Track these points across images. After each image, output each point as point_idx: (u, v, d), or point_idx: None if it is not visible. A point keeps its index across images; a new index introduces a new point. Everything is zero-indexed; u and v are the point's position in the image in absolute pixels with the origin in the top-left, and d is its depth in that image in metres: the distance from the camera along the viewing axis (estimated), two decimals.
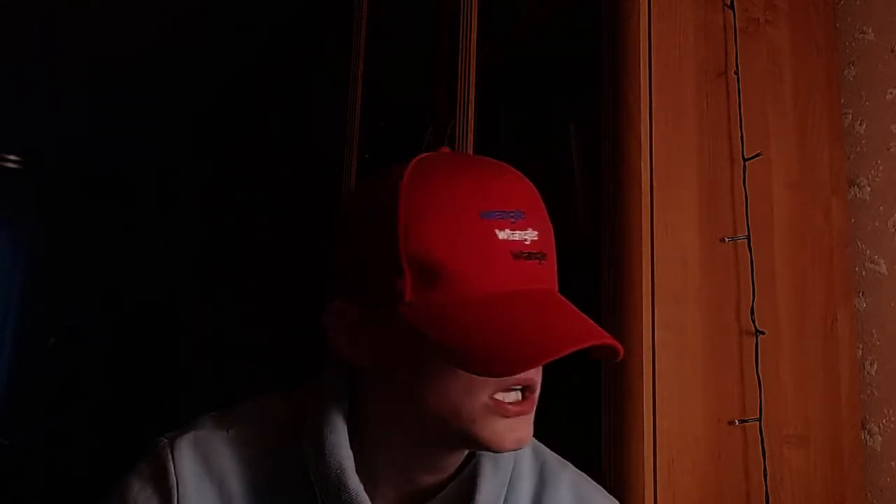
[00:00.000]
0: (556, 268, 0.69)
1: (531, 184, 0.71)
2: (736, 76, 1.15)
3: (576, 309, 0.66)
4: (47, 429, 4.21)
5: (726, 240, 1.11)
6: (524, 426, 0.66)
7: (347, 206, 0.72)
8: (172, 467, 0.70)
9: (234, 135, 3.48)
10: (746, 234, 1.12)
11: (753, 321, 1.10)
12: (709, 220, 1.10)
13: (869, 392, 1.25)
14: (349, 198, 0.73)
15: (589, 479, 0.81)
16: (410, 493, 0.73)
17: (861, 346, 1.27)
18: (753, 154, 1.14)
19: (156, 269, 4.27)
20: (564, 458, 0.82)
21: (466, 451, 0.73)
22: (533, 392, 0.67)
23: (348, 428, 0.71)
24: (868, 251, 1.29)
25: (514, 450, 0.66)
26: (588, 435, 1.05)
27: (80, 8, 2.84)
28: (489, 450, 0.66)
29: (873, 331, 1.26)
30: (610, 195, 1.07)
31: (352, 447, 0.70)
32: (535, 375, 0.66)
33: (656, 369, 1.01)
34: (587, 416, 1.06)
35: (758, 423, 1.08)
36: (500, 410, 0.64)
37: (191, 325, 3.78)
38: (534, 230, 0.65)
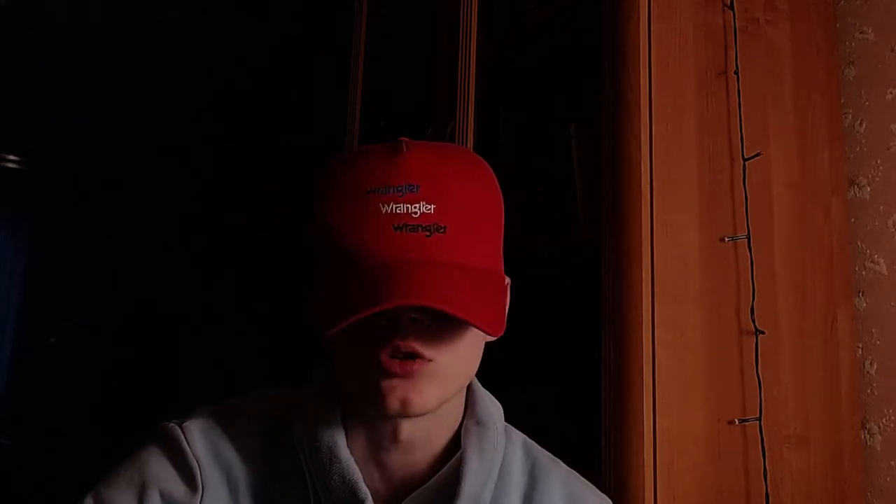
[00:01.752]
0: (468, 240, 0.68)
1: (450, 155, 0.72)
2: (736, 76, 1.15)
3: (453, 267, 0.66)
4: (47, 429, 4.21)
5: (726, 240, 1.11)
6: (411, 387, 0.65)
7: None
8: (189, 450, 0.71)
9: (234, 135, 3.48)
10: (746, 234, 1.12)
11: (753, 321, 1.10)
12: (709, 220, 1.10)
13: (869, 392, 1.25)
14: None
15: (580, 476, 0.81)
16: (396, 481, 0.73)
17: (861, 346, 1.27)
18: (753, 154, 1.14)
19: (156, 268, 4.27)
20: (564, 457, 0.82)
21: (443, 435, 0.74)
22: (423, 358, 0.66)
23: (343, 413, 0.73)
24: (868, 251, 1.29)
25: (401, 413, 0.65)
26: (588, 435, 1.05)
27: (80, 8, 2.84)
28: (379, 411, 0.66)
29: (873, 331, 1.26)
30: (610, 195, 1.07)
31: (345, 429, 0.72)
32: (414, 345, 0.65)
33: (656, 369, 1.01)
34: (587, 415, 1.06)
35: (758, 423, 1.08)
36: (383, 366, 0.65)
37: (190, 324, 3.78)
38: (429, 203, 0.66)
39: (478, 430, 0.75)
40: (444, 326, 0.67)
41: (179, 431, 0.72)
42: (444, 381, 0.68)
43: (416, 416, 0.67)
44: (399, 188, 0.66)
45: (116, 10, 2.85)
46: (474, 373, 0.73)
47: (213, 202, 3.66)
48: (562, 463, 0.81)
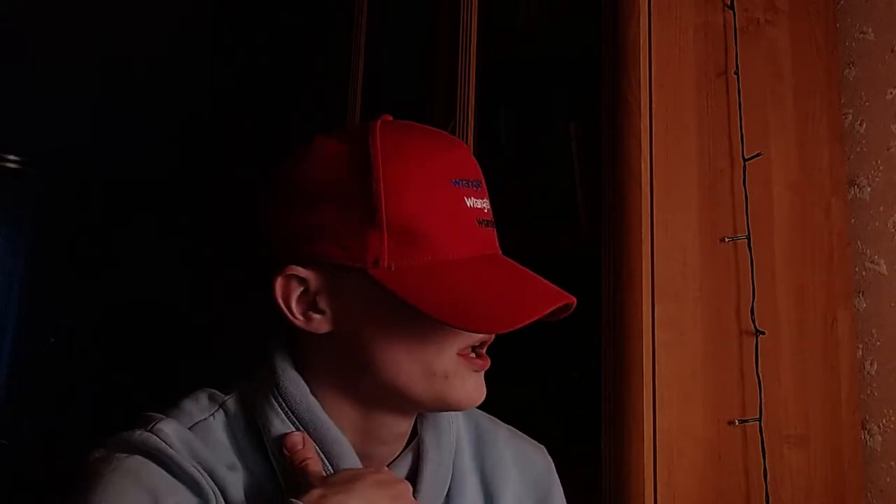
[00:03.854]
0: None
1: None
2: (736, 76, 1.15)
3: (528, 270, 0.70)
4: (47, 429, 4.21)
5: (726, 240, 1.11)
6: (483, 382, 0.70)
7: (299, 172, 0.70)
8: (178, 455, 0.65)
9: (234, 134, 3.48)
10: (746, 234, 1.12)
11: (753, 321, 1.10)
12: (709, 220, 1.10)
13: (869, 392, 1.25)
14: (298, 163, 0.71)
15: (517, 431, 0.85)
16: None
17: (861, 346, 1.27)
18: (753, 154, 1.14)
19: (156, 268, 4.27)
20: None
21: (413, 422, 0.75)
22: (485, 349, 0.70)
23: None
24: (868, 251, 1.29)
25: (475, 405, 0.70)
26: (588, 435, 1.05)
27: (80, 9, 2.84)
28: (458, 407, 0.69)
29: (873, 331, 1.26)
30: (610, 195, 1.07)
31: None
32: (493, 335, 0.70)
33: (656, 369, 1.01)
34: (587, 416, 1.06)
35: (758, 423, 1.08)
36: (470, 364, 0.68)
37: (191, 324, 3.78)
38: (486, 199, 0.70)
39: (432, 416, 0.76)
40: None
41: (157, 438, 0.65)
42: None
43: None
44: (474, 182, 0.69)
45: (116, 11, 2.85)
46: None
47: (214, 202, 3.66)
48: (500, 421, 0.84)
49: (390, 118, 0.74)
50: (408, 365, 0.67)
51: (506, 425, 0.84)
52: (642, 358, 1.01)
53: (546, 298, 0.66)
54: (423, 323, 0.65)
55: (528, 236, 1.29)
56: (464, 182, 0.67)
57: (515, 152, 1.41)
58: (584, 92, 1.25)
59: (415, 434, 0.75)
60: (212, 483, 0.66)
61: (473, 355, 0.69)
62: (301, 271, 0.68)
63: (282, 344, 0.73)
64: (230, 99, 3.47)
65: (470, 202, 0.67)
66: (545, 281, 0.69)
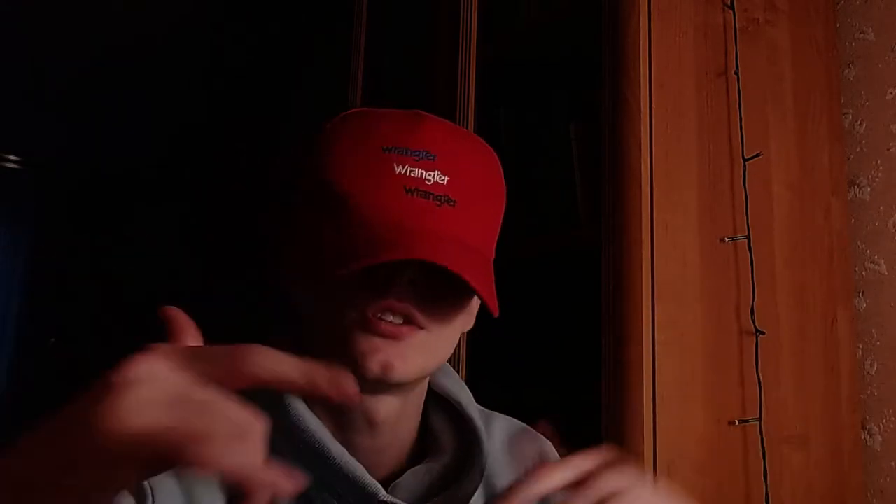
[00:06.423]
0: (472, 220, 0.67)
1: (465, 135, 0.74)
2: (736, 76, 1.15)
3: (456, 241, 0.65)
4: None
5: (726, 240, 1.11)
6: (395, 352, 0.63)
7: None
8: None
9: (233, 133, 3.48)
10: (746, 234, 1.12)
11: (753, 321, 1.10)
12: (709, 220, 1.10)
13: (869, 392, 1.25)
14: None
15: (514, 420, 0.81)
16: (368, 466, 0.68)
17: (861, 346, 1.27)
18: (753, 154, 1.14)
19: (156, 268, 4.27)
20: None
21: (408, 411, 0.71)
22: (415, 324, 0.64)
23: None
24: (868, 251, 1.29)
25: (381, 377, 0.62)
26: (588, 435, 1.05)
27: (81, 9, 2.84)
28: (356, 374, 0.60)
29: (873, 331, 1.26)
30: (610, 195, 1.07)
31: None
32: (410, 307, 0.63)
33: (656, 369, 1.01)
34: (587, 415, 1.06)
35: (758, 423, 1.08)
36: (370, 326, 0.62)
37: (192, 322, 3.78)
38: (443, 174, 0.66)
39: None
40: (438, 297, 0.65)
41: None
42: (429, 354, 0.66)
43: (395, 383, 0.64)
44: (416, 153, 0.66)
45: (115, 10, 2.85)
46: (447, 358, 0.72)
47: (214, 201, 3.67)
48: (491, 412, 0.81)
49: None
50: (319, 325, 0.66)
51: (501, 415, 0.81)
52: (642, 358, 1.01)
53: (396, 252, 0.60)
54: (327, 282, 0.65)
55: (528, 236, 1.29)
56: (399, 150, 0.65)
57: (515, 152, 1.41)
58: (584, 92, 1.25)
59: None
60: (157, 481, 0.63)
61: (384, 320, 0.63)
62: (287, 251, 0.72)
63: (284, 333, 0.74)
64: (230, 98, 3.47)
65: (401, 169, 0.64)
66: (433, 241, 0.63)
